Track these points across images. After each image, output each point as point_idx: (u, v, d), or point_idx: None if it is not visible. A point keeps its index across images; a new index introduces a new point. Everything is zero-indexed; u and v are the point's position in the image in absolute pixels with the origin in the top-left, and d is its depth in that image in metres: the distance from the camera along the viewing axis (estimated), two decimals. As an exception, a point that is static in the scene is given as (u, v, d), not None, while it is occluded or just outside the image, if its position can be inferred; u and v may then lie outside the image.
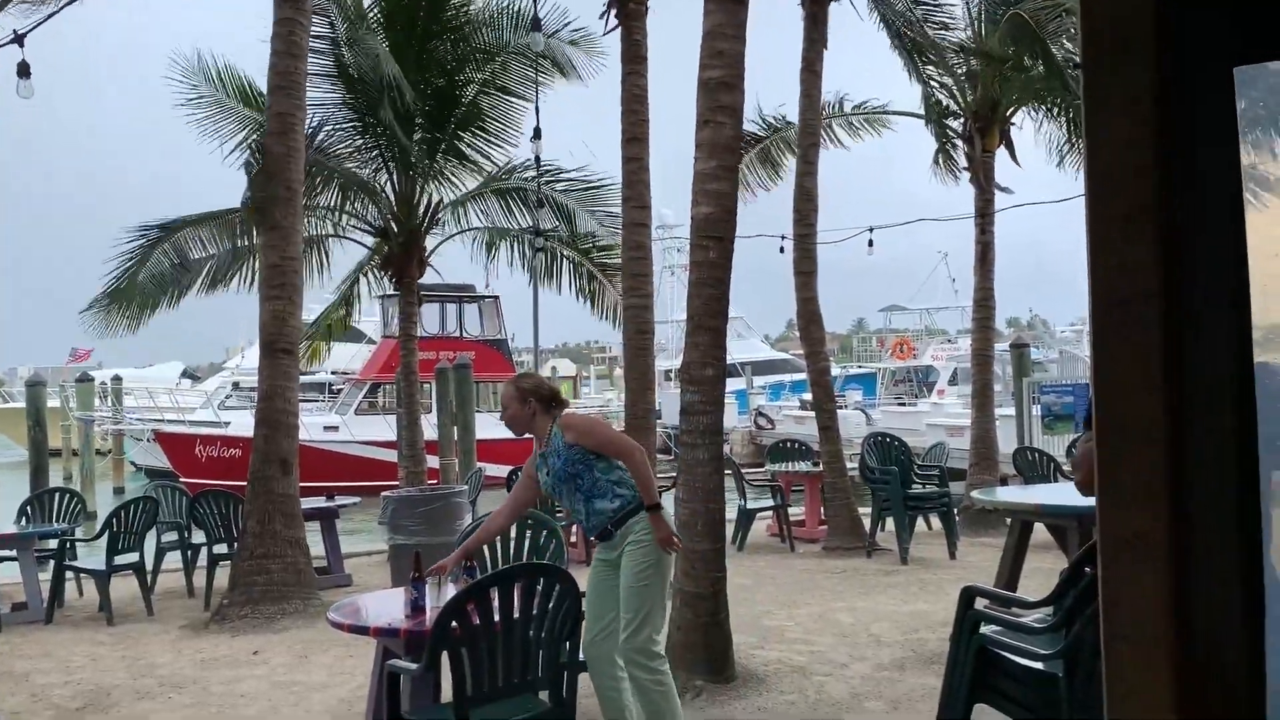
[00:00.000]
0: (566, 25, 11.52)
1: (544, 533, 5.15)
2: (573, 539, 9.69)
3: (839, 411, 11.45)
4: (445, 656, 3.53)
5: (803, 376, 15.26)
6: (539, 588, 3.64)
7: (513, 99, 11.91)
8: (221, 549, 8.44)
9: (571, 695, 4.11)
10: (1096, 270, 2.27)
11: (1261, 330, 2.21)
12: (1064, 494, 6.24)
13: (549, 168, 12.42)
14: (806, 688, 5.22)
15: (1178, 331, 2.10)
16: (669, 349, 33.83)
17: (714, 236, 5.58)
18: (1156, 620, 2.17)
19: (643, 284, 8.25)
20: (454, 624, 3.51)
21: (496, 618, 3.55)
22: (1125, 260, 2.19)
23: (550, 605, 3.66)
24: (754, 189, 12.97)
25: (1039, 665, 3.39)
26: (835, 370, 35.61)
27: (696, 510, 5.48)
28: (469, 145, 12.03)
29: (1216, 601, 2.11)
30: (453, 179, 12.46)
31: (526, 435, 4.42)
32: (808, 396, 17.39)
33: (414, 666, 3.67)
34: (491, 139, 12.01)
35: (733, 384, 31.79)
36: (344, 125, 11.68)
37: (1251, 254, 2.26)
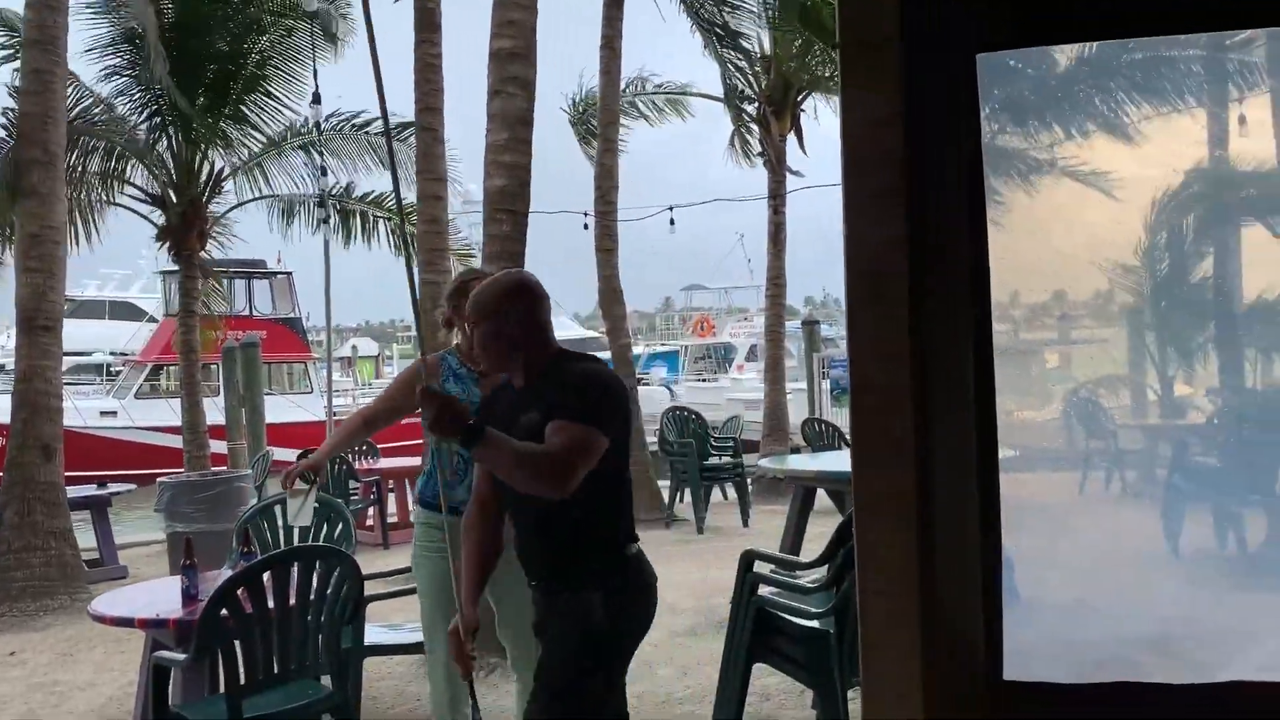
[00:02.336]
0: None
1: (329, 515, 4.99)
2: (370, 522, 9.45)
3: (645, 389, 11.67)
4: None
5: (609, 354, 15.51)
6: (316, 571, 3.51)
7: (301, 63, 11.39)
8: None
9: (355, 679, 4.01)
10: (850, 245, 2.36)
11: (1002, 306, 2.36)
12: (843, 461, 6.55)
13: (348, 116, 11.94)
14: (600, 658, 5.27)
15: (922, 304, 2.21)
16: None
17: (507, 209, 5.52)
18: (904, 577, 2.28)
19: (440, 259, 8.08)
20: (224, 611, 3.34)
21: (272, 603, 3.41)
22: (875, 236, 2.28)
23: (329, 590, 3.54)
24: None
25: (812, 624, 3.54)
26: (640, 348, 36.35)
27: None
28: (254, 110, 11.42)
29: (958, 561, 2.25)
30: (244, 144, 11.81)
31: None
32: (612, 373, 17.59)
33: (182, 657, 3.48)
34: (280, 103, 11.46)
35: (541, 362, 31.67)
36: (119, 84, 10.90)
37: (1007, 233, 2.41)
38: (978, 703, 2.16)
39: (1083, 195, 2.26)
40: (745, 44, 12.28)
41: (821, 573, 3.60)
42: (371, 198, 12.63)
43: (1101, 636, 2.26)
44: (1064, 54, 2.37)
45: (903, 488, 2.20)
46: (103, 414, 21.45)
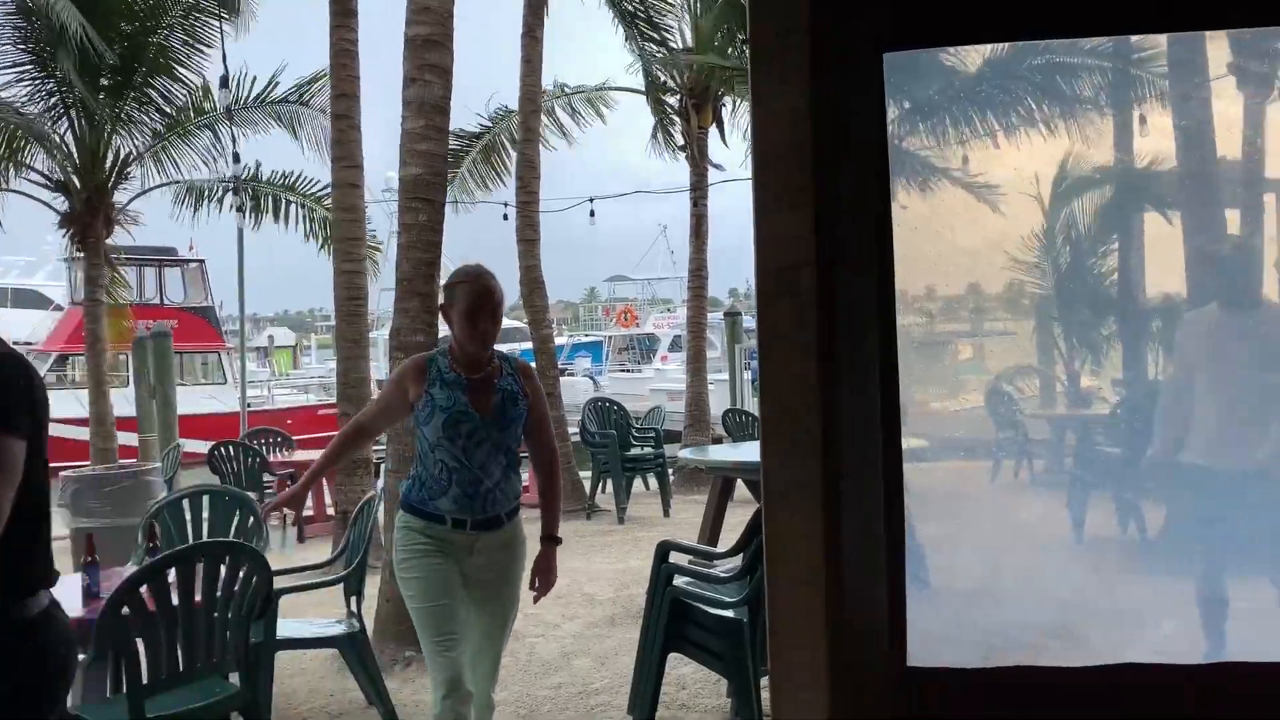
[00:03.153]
0: None
1: (238, 510, 4.88)
2: (286, 513, 9.27)
3: (568, 379, 11.64)
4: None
5: (531, 344, 15.43)
6: (224, 567, 3.42)
7: (208, 47, 11.07)
8: None
9: (265, 676, 3.93)
10: (760, 238, 2.37)
11: (907, 301, 2.39)
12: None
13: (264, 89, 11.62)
14: (519, 650, 5.25)
15: (830, 299, 2.24)
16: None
17: (424, 198, 5.44)
18: (811, 566, 2.31)
19: (356, 248, 7.95)
20: (126, 610, 3.25)
21: (176, 600, 3.32)
22: (784, 230, 2.30)
23: (237, 586, 3.46)
24: (474, 192, 12.91)
25: (726, 613, 3.57)
26: (564, 338, 36.25)
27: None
28: (162, 94, 11.07)
29: (864, 550, 2.28)
30: (148, 128, 11.42)
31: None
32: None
33: (81, 657, 3.36)
34: (188, 86, 11.12)
35: (464, 353, 31.42)
36: (16, 66, 10.45)
37: (917, 229, 2.44)
38: (883, 689, 2.20)
39: (992, 193, 2.31)
40: (667, 36, 12.30)
41: (736, 562, 3.63)
42: (284, 181, 12.31)
43: (1006, 622, 2.32)
44: (972, 57, 2.42)
45: (810, 478, 2.23)
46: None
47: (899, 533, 2.26)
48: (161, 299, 22.90)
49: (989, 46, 2.37)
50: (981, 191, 2.32)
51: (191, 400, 17.06)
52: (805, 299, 2.22)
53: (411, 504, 3.21)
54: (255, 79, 11.57)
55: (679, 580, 3.74)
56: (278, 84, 11.63)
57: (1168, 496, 2.33)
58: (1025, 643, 2.24)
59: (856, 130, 2.25)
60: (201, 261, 23.96)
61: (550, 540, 3.33)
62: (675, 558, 3.89)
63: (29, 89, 10.61)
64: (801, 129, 2.25)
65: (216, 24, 10.54)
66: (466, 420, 3.12)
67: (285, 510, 3.28)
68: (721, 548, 5.34)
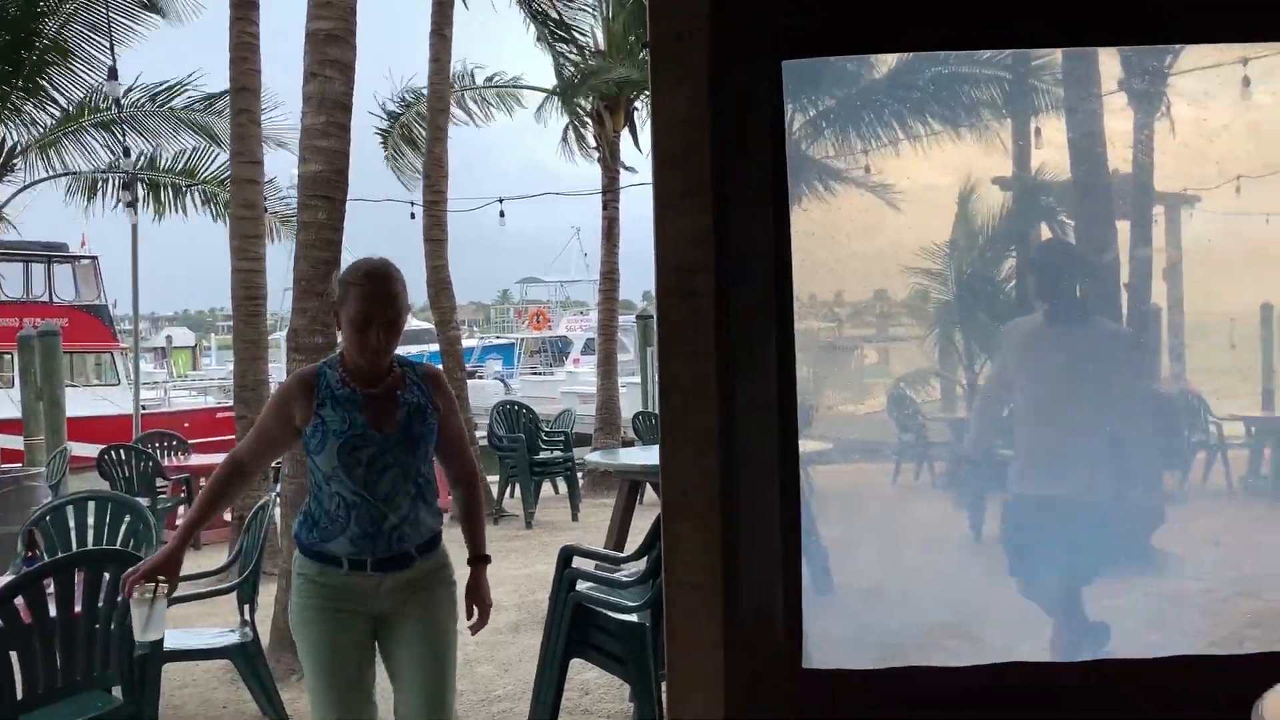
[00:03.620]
0: None
1: (127, 517, 4.69)
2: (178, 521, 8.97)
3: (478, 381, 11.50)
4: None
5: (438, 346, 15.21)
6: (106, 576, 3.28)
7: (101, 36, 10.64)
8: None
9: (152, 689, 3.77)
10: (660, 239, 2.36)
11: (804, 303, 2.39)
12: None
13: (150, 89, 11.22)
14: (420, 658, 5.16)
15: (726, 299, 2.23)
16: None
17: (324, 196, 5.32)
18: (708, 569, 2.30)
19: (254, 245, 7.73)
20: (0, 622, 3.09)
21: (54, 611, 3.17)
22: (683, 231, 2.29)
23: (120, 595, 3.31)
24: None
25: (629, 617, 3.55)
26: (475, 340, 35.89)
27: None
28: (51, 83, 10.61)
29: (760, 550, 2.28)
30: (35, 121, 10.95)
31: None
32: (442, 366, 17.33)
33: (-50, 673, 3.19)
34: (81, 77, 10.69)
35: (370, 354, 30.87)
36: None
37: (816, 234, 2.44)
38: (780, 691, 2.20)
39: (892, 199, 2.35)
40: (579, 36, 12.28)
41: (640, 566, 3.62)
42: (184, 166, 11.89)
43: (905, 622, 2.35)
44: (873, 68, 2.45)
45: (707, 482, 2.23)
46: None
47: (795, 535, 2.28)
48: (51, 297, 21.98)
49: (891, 55, 2.41)
50: (883, 197, 2.35)
51: (82, 402, 16.39)
52: (703, 299, 2.22)
53: (304, 545, 2.74)
54: (167, 84, 11.27)
55: (582, 585, 3.71)
56: (185, 89, 11.32)
57: (1058, 499, 2.39)
58: (921, 642, 2.27)
59: (754, 134, 2.26)
60: (94, 258, 23.05)
61: (479, 561, 2.92)
62: (579, 562, 3.86)
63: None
64: (700, 132, 2.25)
65: (106, 17, 10.13)
66: (365, 444, 2.65)
67: (160, 579, 2.64)
68: (628, 551, 5.33)
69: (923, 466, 2.52)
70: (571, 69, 12.52)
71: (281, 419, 2.74)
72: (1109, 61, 2.25)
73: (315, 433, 2.66)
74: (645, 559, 3.53)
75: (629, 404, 13.25)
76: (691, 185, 2.18)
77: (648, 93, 12.33)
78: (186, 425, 17.53)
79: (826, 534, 2.32)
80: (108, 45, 9.81)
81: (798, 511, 2.21)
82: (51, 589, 3.17)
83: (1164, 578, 2.24)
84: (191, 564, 6.53)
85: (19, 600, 3.12)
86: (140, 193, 11.47)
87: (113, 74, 9.30)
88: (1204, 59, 2.09)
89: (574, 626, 3.63)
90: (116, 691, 3.43)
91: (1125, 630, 2.15)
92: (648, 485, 7.10)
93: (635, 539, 6.45)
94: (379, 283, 2.67)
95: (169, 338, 34.92)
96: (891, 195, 2.40)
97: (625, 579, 3.61)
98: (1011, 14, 2.10)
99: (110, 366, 22.87)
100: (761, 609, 2.19)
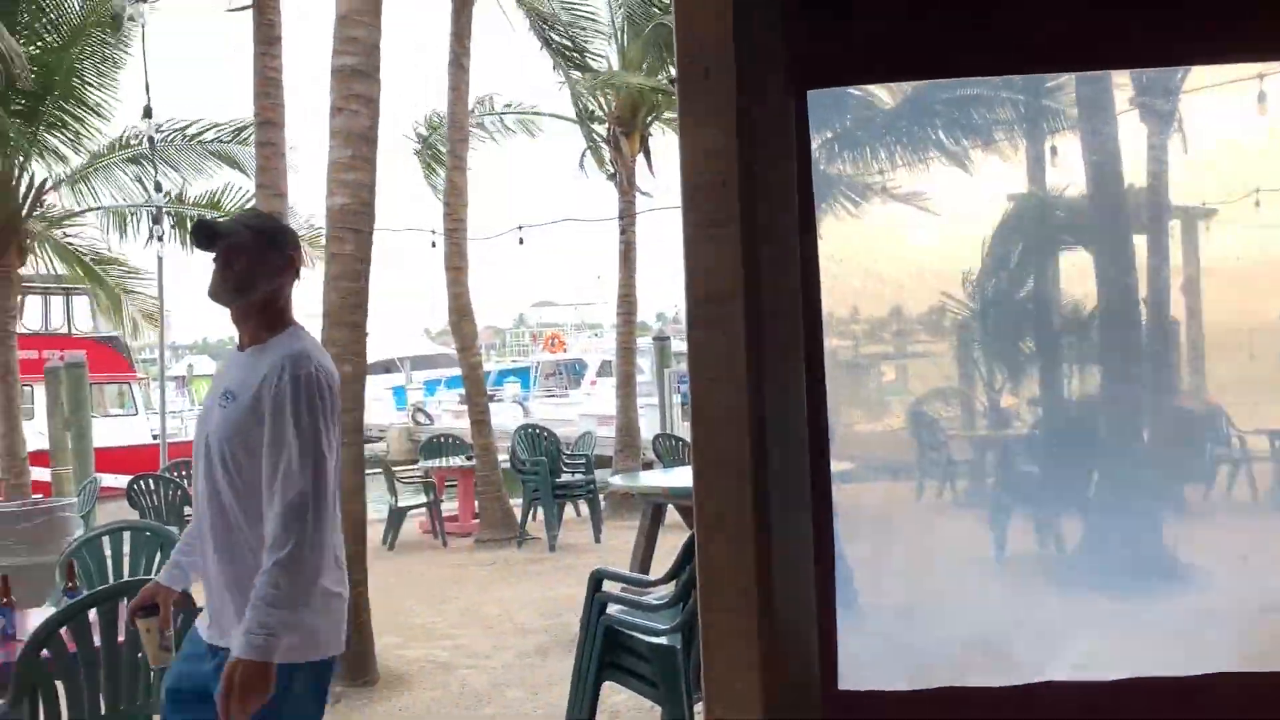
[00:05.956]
0: None
1: (161, 546, 4.77)
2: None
3: (496, 404, 11.59)
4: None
5: (460, 371, 15.37)
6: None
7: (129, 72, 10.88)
8: None
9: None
10: (689, 271, 2.43)
11: (833, 323, 2.46)
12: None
13: (180, 126, 11.46)
14: (450, 682, 5.22)
15: (757, 328, 2.30)
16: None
17: (351, 228, 5.42)
18: (743, 592, 2.35)
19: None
20: (46, 652, 3.16)
21: (99, 641, 3.24)
22: (712, 262, 2.36)
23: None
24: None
25: (660, 640, 3.60)
26: (492, 364, 36.02)
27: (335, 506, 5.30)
28: (74, 120, 10.81)
29: (795, 575, 2.33)
30: (64, 155, 11.16)
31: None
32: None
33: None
34: (103, 112, 10.90)
35: (391, 380, 31.09)
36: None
37: (846, 254, 2.51)
38: (814, 713, 2.25)
39: (911, 219, 2.41)
40: (594, 64, 12.40)
41: (669, 589, 3.66)
42: (210, 199, 12.09)
43: (933, 641, 2.39)
44: (892, 88, 2.52)
45: (741, 505, 2.28)
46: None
47: (829, 557, 2.33)
48: (70, 328, 22.25)
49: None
50: (903, 214, 2.41)
51: (103, 432, 16.56)
52: (733, 328, 2.28)
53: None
54: (195, 122, 11.52)
55: (612, 609, 3.76)
56: (217, 124, 11.57)
57: (1084, 513, 2.43)
58: (951, 662, 2.31)
59: (780, 165, 2.33)
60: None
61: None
62: (608, 586, 3.91)
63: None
64: (726, 164, 2.32)
65: (126, 51, 10.36)
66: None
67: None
68: (654, 574, 5.38)
69: (945, 484, 2.56)
70: (585, 91, 12.63)
71: None
72: (1122, 79, 2.31)
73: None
74: (675, 581, 3.58)
75: (647, 425, 13.28)
76: (720, 216, 2.24)
77: (665, 117, 12.46)
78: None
79: (851, 552, 2.37)
80: (144, 86, 10.09)
81: (831, 533, 2.26)
82: (95, 619, 3.24)
83: (1192, 593, 2.27)
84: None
85: (64, 630, 3.19)
86: (168, 226, 11.65)
87: (147, 113, 9.55)
88: (1221, 75, 2.14)
89: (606, 650, 3.67)
90: (158, 720, 3.50)
91: (1154, 646, 2.18)
92: (670, 507, 7.15)
93: (659, 561, 6.49)
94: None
95: (190, 366, 35.22)
96: (910, 213, 2.46)
97: (655, 602, 3.65)
98: (1033, 43, 2.17)
99: (128, 396, 23.10)
100: (796, 630, 2.24)
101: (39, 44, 10.58)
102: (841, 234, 2.40)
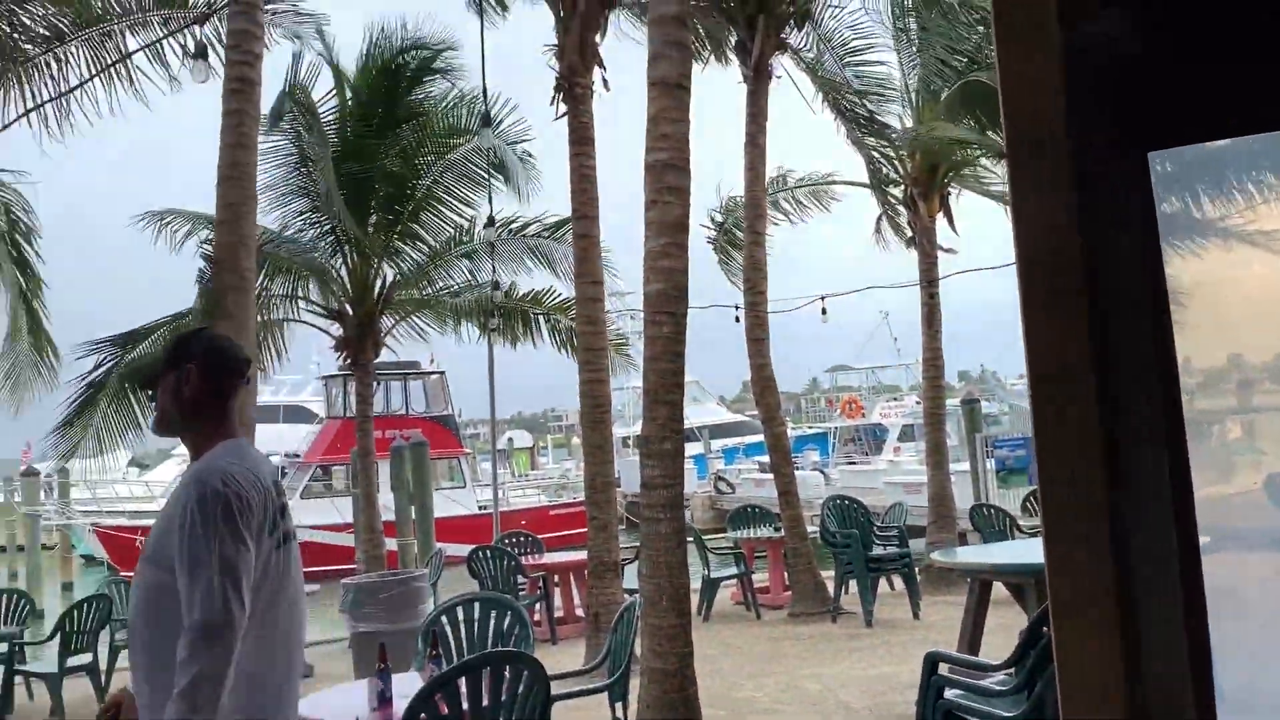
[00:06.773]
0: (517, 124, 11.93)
1: (508, 615, 5.14)
2: (537, 618, 9.63)
3: (798, 473, 11.59)
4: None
5: (759, 438, 15.62)
6: (507, 675, 3.64)
7: (469, 181, 12.19)
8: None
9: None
10: (1031, 349, 2.39)
11: (1194, 381, 2.32)
12: (1019, 551, 6.36)
13: (519, 220, 12.73)
14: (778, 760, 5.21)
15: (1111, 407, 2.21)
16: (625, 415, 33.87)
17: (667, 312, 5.69)
18: (1107, 681, 2.25)
19: (598, 358, 8.34)
20: (423, 715, 3.50)
21: (465, 706, 3.55)
22: (1054, 339, 2.30)
23: (520, 691, 3.66)
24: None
25: (1005, 728, 3.44)
26: (789, 431, 35.93)
27: (661, 585, 5.50)
28: (423, 227, 12.21)
29: (1164, 662, 2.20)
30: (411, 257, 12.58)
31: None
32: (765, 459, 17.53)
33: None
34: (446, 220, 12.27)
35: (691, 448, 31.80)
36: (301, 212, 11.84)
37: (1190, 291, 2.38)
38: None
39: (1251, 255, 2.23)
40: (889, 130, 12.34)
41: (1010, 674, 3.51)
42: (532, 296, 13.15)
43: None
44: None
45: (1101, 587, 2.17)
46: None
47: (1202, 641, 2.17)
48: (406, 409, 24.68)
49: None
50: (1246, 253, 2.24)
51: (438, 504, 18.14)
52: (1083, 405, 2.20)
53: None
54: (518, 218, 12.80)
55: (949, 693, 3.64)
56: (537, 221, 12.78)
57: None
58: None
59: (1125, 233, 2.25)
60: (442, 373, 25.77)
61: None
62: (943, 669, 3.79)
63: (315, 231, 11.92)
64: (1065, 236, 2.26)
65: (485, 173, 11.63)
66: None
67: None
68: (983, 654, 5.14)
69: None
70: (880, 159, 12.58)
71: None
72: None
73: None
74: (1016, 667, 3.42)
75: (959, 494, 12.74)
76: (1060, 292, 2.19)
77: (961, 175, 12.14)
78: (524, 523, 18.91)
79: (1213, 634, 2.18)
80: (486, 198, 11.40)
81: (1204, 618, 2.11)
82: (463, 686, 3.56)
83: None
84: (551, 660, 7.01)
85: (437, 696, 3.52)
86: (499, 322, 12.76)
87: (490, 222, 10.69)
88: None
89: (945, 736, 3.56)
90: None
91: None
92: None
93: (988, 638, 6.19)
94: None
95: (510, 440, 37.85)
96: (1249, 250, 2.27)
97: (997, 687, 3.51)
98: None
99: (457, 470, 25.23)
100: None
101: (397, 165, 12.04)
102: (1183, 277, 2.26)
